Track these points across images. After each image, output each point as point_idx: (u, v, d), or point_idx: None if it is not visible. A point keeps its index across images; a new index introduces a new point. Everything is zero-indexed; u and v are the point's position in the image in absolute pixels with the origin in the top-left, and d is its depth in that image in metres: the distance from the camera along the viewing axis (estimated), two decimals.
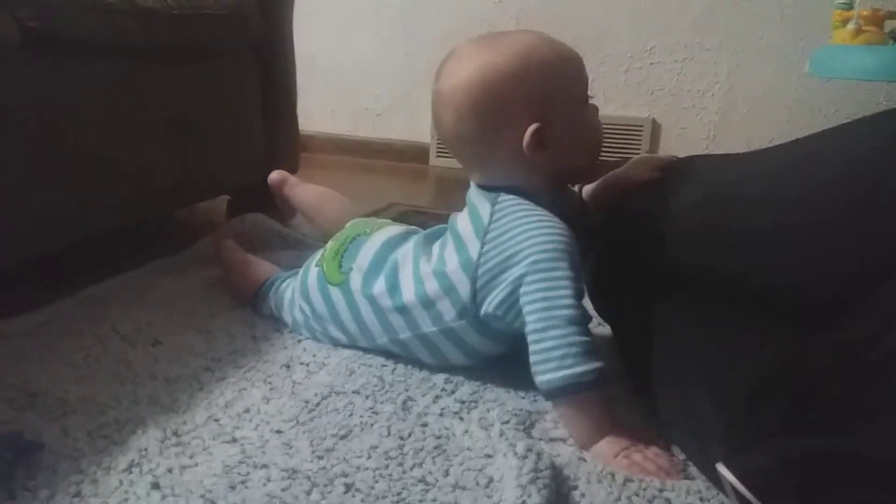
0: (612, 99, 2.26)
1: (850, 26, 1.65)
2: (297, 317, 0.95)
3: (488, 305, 0.78)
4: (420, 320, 0.83)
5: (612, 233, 0.88)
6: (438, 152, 2.46)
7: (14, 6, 0.97)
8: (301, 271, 0.97)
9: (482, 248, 0.78)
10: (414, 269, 0.84)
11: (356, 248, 0.91)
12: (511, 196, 0.79)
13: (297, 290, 0.95)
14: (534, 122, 0.76)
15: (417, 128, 2.49)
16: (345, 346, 0.92)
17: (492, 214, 0.79)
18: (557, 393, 0.71)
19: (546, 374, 0.71)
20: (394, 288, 0.84)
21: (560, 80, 0.79)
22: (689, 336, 0.75)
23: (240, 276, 1.09)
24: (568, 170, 0.82)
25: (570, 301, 0.72)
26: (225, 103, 1.50)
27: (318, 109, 2.52)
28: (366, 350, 0.91)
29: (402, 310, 0.84)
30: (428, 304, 0.82)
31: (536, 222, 0.76)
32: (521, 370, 0.86)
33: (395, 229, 0.94)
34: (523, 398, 0.81)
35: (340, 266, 0.91)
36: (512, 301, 0.76)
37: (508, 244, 0.76)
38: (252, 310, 1.04)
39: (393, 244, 0.89)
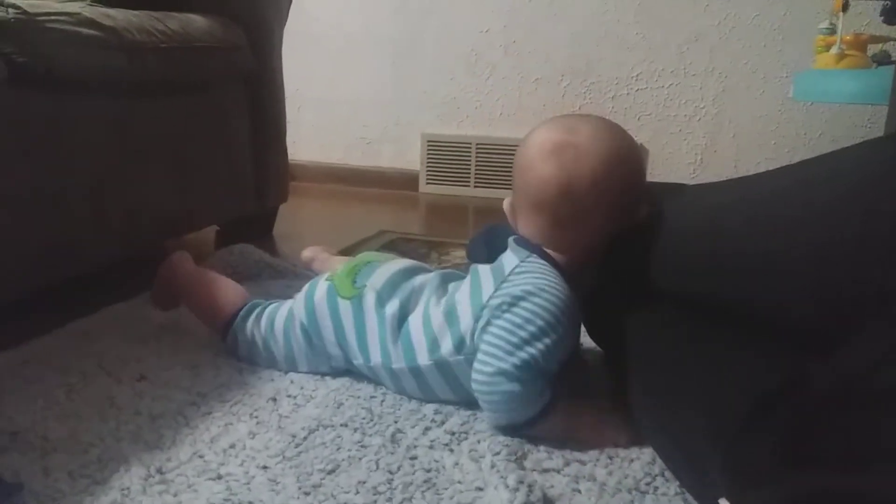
0: None
1: (833, 51, 1.67)
2: (296, 335, 0.92)
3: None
4: (418, 350, 0.84)
5: (611, 256, 0.88)
6: (428, 180, 2.46)
7: (1, 42, 0.97)
8: (305, 288, 0.95)
9: (495, 291, 0.81)
10: (426, 305, 0.87)
11: (370, 270, 0.92)
12: (541, 260, 0.83)
13: (301, 303, 0.93)
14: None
15: (407, 155, 2.49)
16: (333, 378, 0.91)
17: (515, 267, 0.82)
18: (521, 428, 0.78)
19: (491, 415, 0.79)
20: (404, 313, 0.87)
21: None
22: (686, 359, 0.74)
23: (206, 299, 1.01)
24: None
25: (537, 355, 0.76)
26: (215, 135, 1.51)
27: (309, 138, 2.52)
28: (354, 381, 0.90)
29: (405, 338, 0.85)
30: (431, 337, 0.83)
31: (553, 281, 0.80)
32: None
33: (409, 261, 0.97)
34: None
35: (354, 282, 0.91)
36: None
37: (518, 288, 0.80)
38: (223, 340, 0.98)
39: (409, 273, 0.92)
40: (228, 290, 1.02)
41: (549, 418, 0.76)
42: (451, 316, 0.83)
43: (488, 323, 0.79)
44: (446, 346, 0.82)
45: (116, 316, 1.11)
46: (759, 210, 0.71)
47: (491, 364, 0.76)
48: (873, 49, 1.71)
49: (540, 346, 0.76)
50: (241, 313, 0.97)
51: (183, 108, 1.39)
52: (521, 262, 0.83)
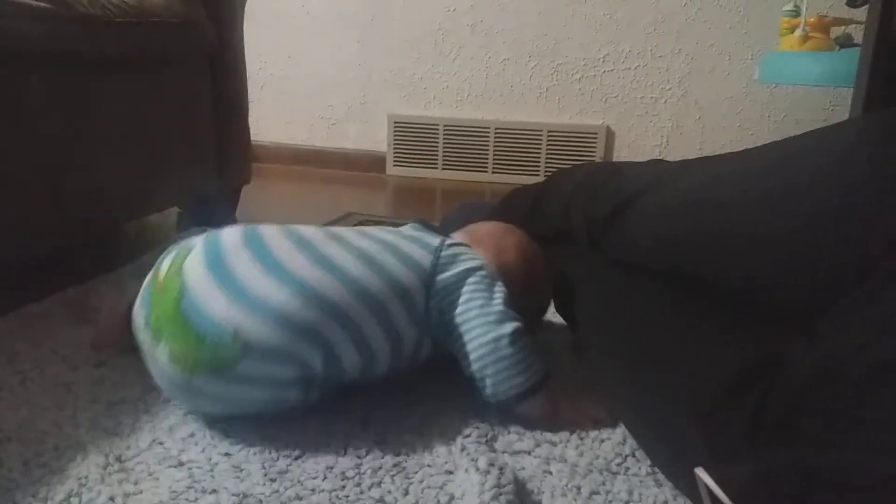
0: (566, 107, 2.27)
1: (798, 33, 1.68)
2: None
3: (442, 314, 0.78)
4: (365, 306, 0.73)
5: (585, 231, 0.88)
6: (395, 162, 2.44)
7: None
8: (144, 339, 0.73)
9: (437, 260, 0.80)
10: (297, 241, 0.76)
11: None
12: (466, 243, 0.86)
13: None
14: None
15: (373, 136, 2.46)
16: None
17: (454, 244, 0.83)
18: (519, 399, 0.75)
19: (504, 383, 0.75)
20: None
21: None
22: (662, 333, 0.74)
23: None
24: None
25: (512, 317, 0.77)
26: (175, 114, 1.46)
27: (273, 119, 2.48)
28: None
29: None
30: (368, 282, 0.74)
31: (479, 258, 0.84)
32: None
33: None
34: (485, 410, 0.79)
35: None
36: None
37: (463, 264, 0.80)
38: None
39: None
40: None
41: (540, 394, 0.75)
42: (391, 281, 0.75)
43: (468, 299, 0.78)
44: (400, 317, 0.75)
45: (70, 300, 1.07)
46: (743, 185, 0.71)
47: (490, 328, 0.76)
48: (836, 32, 1.73)
49: (500, 292, 0.79)
50: None
51: (141, 86, 1.34)
52: (446, 240, 0.84)
